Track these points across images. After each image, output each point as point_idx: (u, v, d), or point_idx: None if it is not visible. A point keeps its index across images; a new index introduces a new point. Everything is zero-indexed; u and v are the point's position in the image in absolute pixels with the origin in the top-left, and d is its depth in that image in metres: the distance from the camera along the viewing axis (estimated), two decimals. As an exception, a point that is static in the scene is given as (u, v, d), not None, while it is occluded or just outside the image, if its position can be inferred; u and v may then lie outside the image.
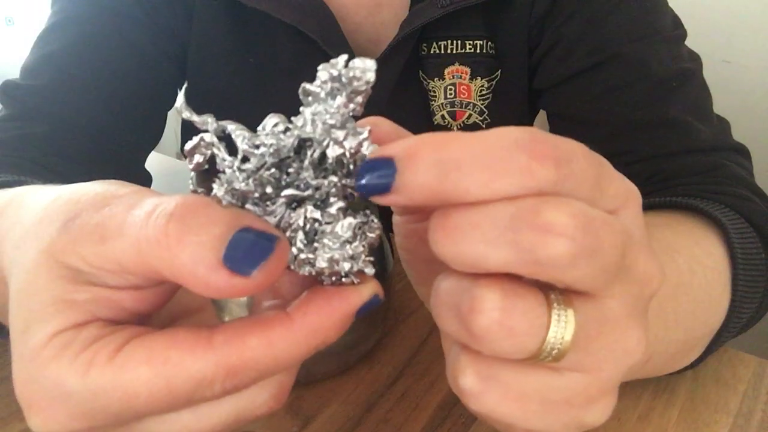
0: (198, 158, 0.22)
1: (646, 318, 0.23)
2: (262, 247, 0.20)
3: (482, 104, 0.63)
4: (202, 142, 0.22)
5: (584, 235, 0.19)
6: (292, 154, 0.22)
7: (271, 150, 0.22)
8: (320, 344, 0.22)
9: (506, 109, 0.64)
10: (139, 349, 0.21)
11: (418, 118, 0.63)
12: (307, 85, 0.21)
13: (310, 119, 0.21)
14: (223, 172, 0.22)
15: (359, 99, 0.21)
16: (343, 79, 0.21)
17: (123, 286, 0.22)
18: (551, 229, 0.19)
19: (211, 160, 0.22)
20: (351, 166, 0.22)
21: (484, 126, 0.64)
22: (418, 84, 0.62)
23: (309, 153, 0.22)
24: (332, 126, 0.21)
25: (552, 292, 0.21)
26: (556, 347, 0.21)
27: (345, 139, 0.21)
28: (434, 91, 0.62)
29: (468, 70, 0.62)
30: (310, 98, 0.21)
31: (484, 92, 0.63)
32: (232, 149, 0.22)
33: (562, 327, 0.21)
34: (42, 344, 0.21)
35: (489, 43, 0.61)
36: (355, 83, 0.21)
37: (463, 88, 0.62)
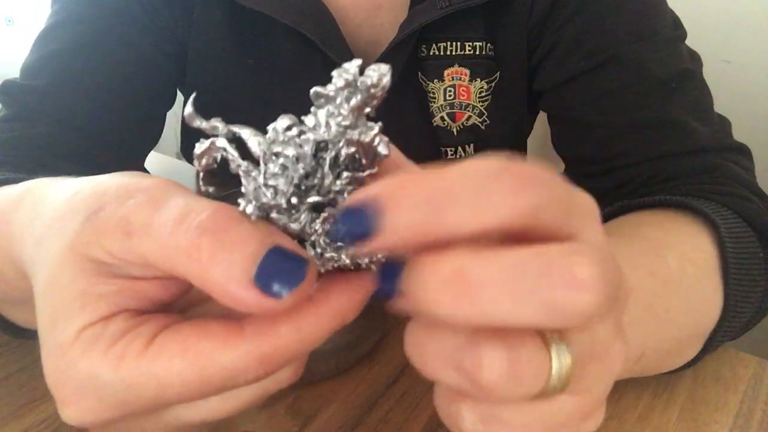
0: (207, 160, 0.22)
1: (622, 326, 0.24)
2: (293, 273, 0.20)
3: (481, 106, 0.63)
4: (212, 146, 0.22)
5: (608, 285, 0.19)
6: (312, 162, 0.22)
7: (300, 167, 0.22)
8: (339, 325, 0.22)
9: (505, 110, 0.64)
10: (171, 341, 0.21)
11: (418, 120, 0.63)
12: (319, 89, 0.21)
13: (324, 121, 0.22)
14: (238, 175, 0.22)
15: (375, 103, 0.21)
16: (359, 85, 0.21)
17: (147, 277, 0.22)
18: (583, 285, 0.19)
19: (222, 160, 0.23)
20: (363, 160, 0.22)
21: (483, 127, 0.64)
22: (418, 85, 0.62)
23: (327, 157, 0.22)
24: (347, 127, 0.21)
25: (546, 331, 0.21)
26: (559, 383, 0.21)
27: (359, 137, 0.22)
28: (433, 93, 0.62)
29: (467, 71, 0.62)
30: (322, 101, 0.21)
31: (483, 94, 0.63)
32: (241, 150, 0.22)
33: (563, 362, 0.21)
34: (71, 339, 0.21)
35: (488, 44, 0.61)
36: (372, 90, 0.21)
37: (463, 90, 0.62)
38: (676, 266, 0.40)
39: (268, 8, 0.57)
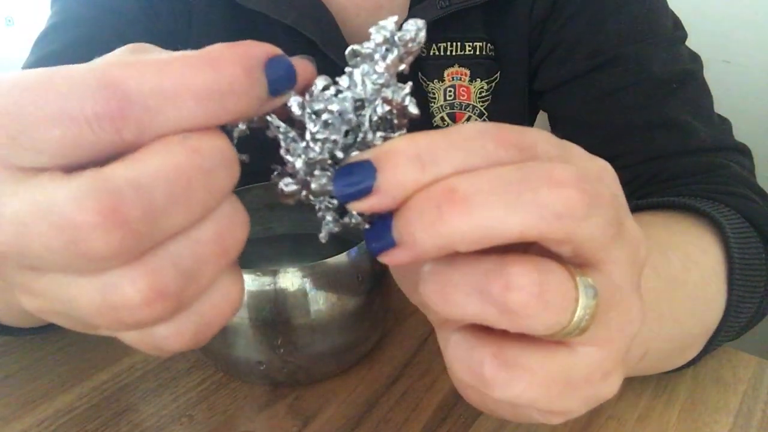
0: (242, 126, 0.23)
1: (641, 287, 0.24)
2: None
3: (482, 106, 0.63)
4: None
5: (587, 185, 0.20)
6: (355, 118, 0.22)
7: (345, 119, 0.22)
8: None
9: (506, 110, 0.64)
10: None
11: (417, 120, 0.63)
12: (357, 47, 0.22)
13: (360, 80, 0.22)
14: (277, 138, 0.22)
15: (410, 59, 0.22)
16: (397, 41, 0.21)
17: None
18: (563, 183, 0.20)
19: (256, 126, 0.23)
20: (395, 121, 0.23)
21: (483, 127, 0.64)
22: (418, 86, 0.62)
23: (367, 114, 0.22)
24: (382, 85, 0.22)
25: (569, 264, 0.21)
26: (585, 319, 0.21)
27: (392, 96, 0.22)
28: (433, 93, 0.62)
29: (467, 71, 0.62)
30: (358, 59, 0.22)
31: (483, 94, 0.63)
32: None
33: (589, 297, 0.21)
34: None
35: (489, 44, 0.61)
36: (410, 45, 0.21)
37: (463, 90, 0.62)
38: (681, 266, 0.40)
39: (269, 8, 0.57)
